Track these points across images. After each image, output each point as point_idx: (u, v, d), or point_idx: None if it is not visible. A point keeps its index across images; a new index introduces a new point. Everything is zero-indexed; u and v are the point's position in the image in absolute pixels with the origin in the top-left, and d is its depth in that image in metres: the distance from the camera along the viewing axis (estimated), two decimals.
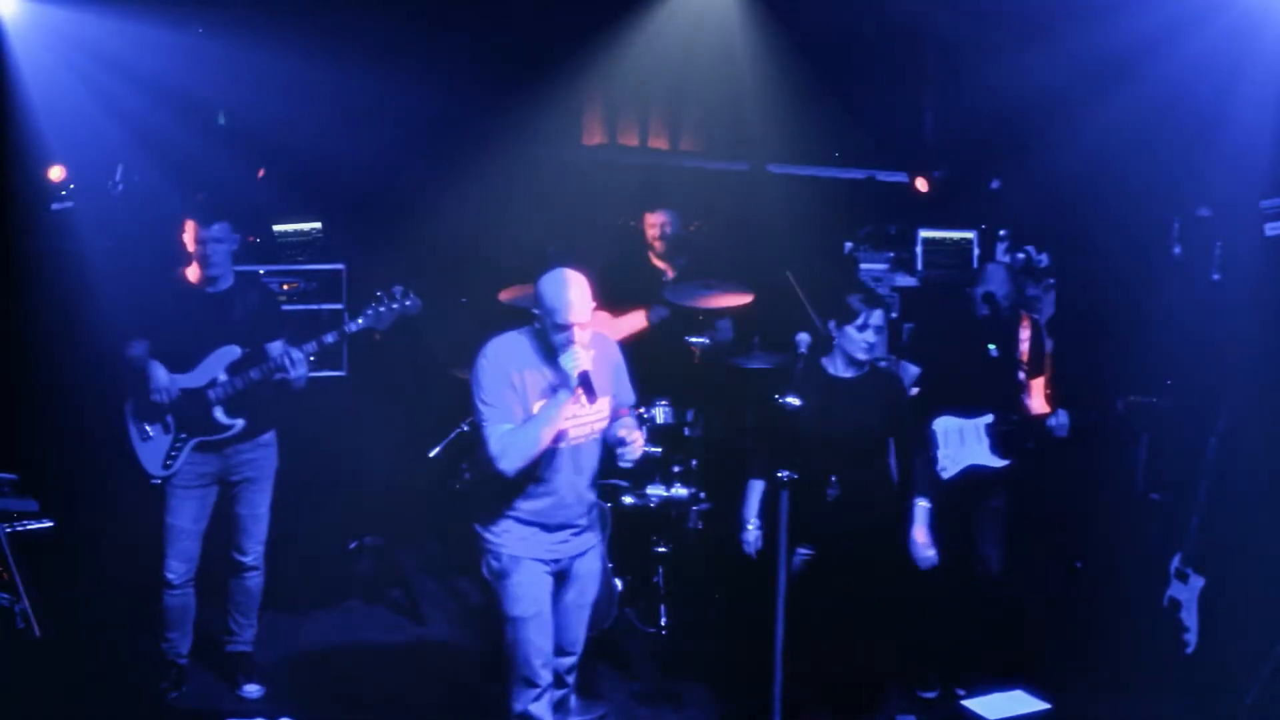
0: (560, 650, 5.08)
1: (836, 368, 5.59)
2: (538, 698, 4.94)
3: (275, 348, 5.75)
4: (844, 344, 5.54)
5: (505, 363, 4.80)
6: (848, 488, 5.44)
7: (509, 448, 4.73)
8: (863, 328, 5.50)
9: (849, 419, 5.46)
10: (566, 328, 4.72)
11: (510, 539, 4.91)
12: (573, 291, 4.75)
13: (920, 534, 5.54)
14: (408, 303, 5.79)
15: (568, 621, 5.07)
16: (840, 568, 5.46)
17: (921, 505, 5.57)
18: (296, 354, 5.69)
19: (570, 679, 5.22)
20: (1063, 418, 6.01)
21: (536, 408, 4.77)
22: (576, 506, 4.96)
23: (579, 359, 4.72)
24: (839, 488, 5.41)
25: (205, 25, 7.45)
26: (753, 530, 5.59)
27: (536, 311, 4.81)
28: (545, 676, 4.95)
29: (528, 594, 4.91)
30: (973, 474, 6.00)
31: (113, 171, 7.28)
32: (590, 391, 4.72)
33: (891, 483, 5.65)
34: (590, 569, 5.10)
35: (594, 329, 4.90)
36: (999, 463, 6.00)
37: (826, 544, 5.46)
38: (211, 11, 7.40)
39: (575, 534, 4.99)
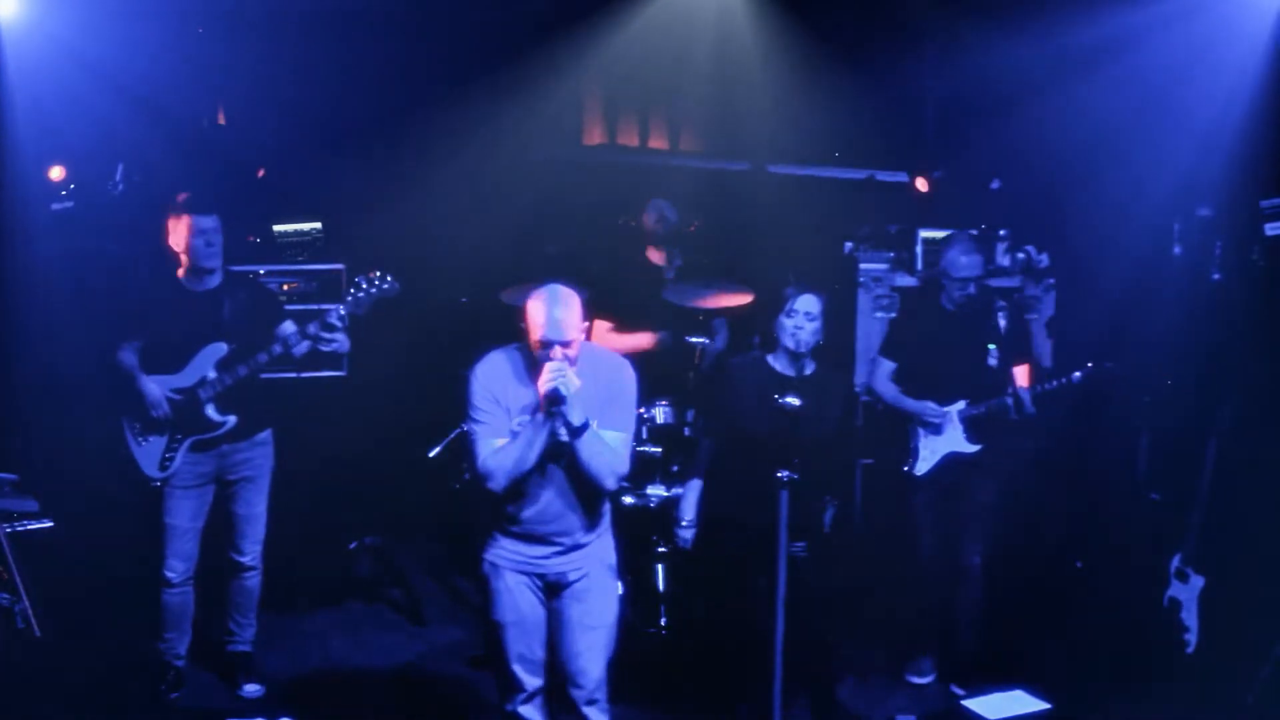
0: (570, 679, 4.92)
1: (780, 364, 5.50)
2: (526, 699, 4.93)
3: (286, 327, 5.73)
4: (778, 334, 5.46)
5: (491, 380, 4.75)
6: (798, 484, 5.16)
7: (495, 468, 4.69)
8: (790, 314, 5.41)
9: (783, 418, 5.18)
10: (546, 345, 4.62)
11: (495, 545, 4.90)
12: (556, 309, 4.63)
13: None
14: (385, 285, 5.71)
15: (571, 641, 4.88)
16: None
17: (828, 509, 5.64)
18: (292, 331, 5.67)
19: (592, 714, 4.92)
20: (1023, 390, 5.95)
21: (516, 424, 4.72)
22: (567, 520, 4.82)
23: (549, 377, 4.58)
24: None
25: (205, 25, 7.45)
26: (687, 527, 5.62)
27: (523, 327, 4.72)
28: (531, 681, 4.92)
29: (507, 602, 4.88)
30: (952, 461, 6.06)
31: (113, 171, 7.28)
32: (557, 408, 4.59)
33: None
34: (593, 588, 4.89)
35: (604, 349, 4.82)
36: (973, 448, 6.04)
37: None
38: (212, 10, 7.40)
39: (563, 551, 4.85)
